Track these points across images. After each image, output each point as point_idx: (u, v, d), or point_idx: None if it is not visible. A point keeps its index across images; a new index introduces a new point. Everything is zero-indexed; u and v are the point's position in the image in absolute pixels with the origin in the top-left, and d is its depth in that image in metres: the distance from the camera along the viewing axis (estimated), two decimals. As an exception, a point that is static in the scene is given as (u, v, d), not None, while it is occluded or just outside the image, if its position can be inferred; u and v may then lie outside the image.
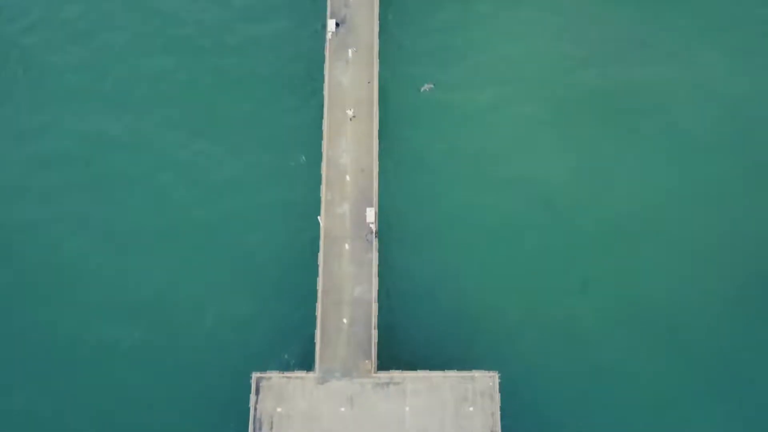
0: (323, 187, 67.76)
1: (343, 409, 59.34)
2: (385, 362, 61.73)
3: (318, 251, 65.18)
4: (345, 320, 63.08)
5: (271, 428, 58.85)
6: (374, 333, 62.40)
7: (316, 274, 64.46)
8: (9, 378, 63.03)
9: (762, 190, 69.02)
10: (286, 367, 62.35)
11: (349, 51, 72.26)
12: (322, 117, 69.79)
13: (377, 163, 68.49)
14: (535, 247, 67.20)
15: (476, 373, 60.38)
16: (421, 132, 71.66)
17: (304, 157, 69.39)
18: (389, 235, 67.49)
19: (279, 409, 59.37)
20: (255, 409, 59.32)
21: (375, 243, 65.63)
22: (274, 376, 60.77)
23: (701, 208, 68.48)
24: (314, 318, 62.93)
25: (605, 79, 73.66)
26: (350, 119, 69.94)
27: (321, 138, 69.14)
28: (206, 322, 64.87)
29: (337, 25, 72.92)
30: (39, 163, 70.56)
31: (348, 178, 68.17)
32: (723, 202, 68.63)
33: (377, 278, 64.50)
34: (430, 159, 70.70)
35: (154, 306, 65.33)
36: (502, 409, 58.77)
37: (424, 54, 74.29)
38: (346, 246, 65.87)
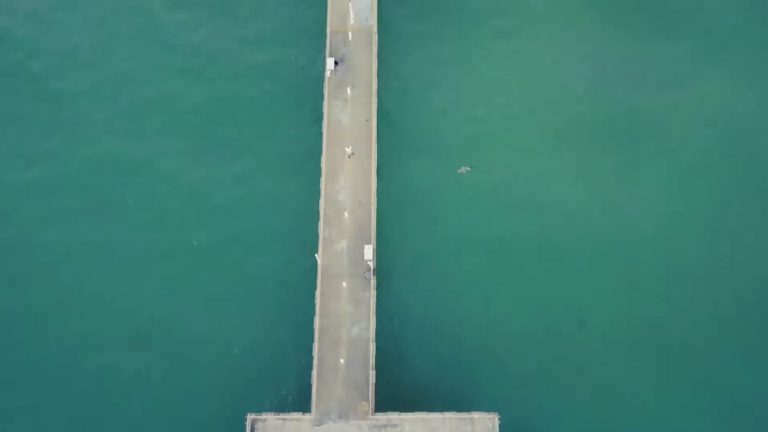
0: (321, 224, 67.38)
1: (339, 452, 58.01)
2: (383, 403, 60.55)
3: (315, 288, 64.53)
4: (342, 360, 62.02)
5: (266, 472, 57.41)
6: (372, 373, 61.32)
7: (314, 312, 63.66)
8: (7, 403, 62.47)
9: (765, 212, 68.62)
10: (284, 402, 61.18)
11: (348, 89, 72.65)
12: (321, 142, 70.11)
13: (375, 200, 68.21)
14: (534, 282, 66.53)
15: (476, 415, 59.11)
16: (420, 169, 71.39)
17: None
18: (387, 272, 66.76)
19: (274, 452, 58.03)
20: (249, 451, 58.06)
21: (373, 281, 64.92)
22: (270, 418, 59.50)
23: (702, 232, 68.08)
24: (312, 353, 62.09)
25: (605, 105, 73.74)
26: (349, 156, 69.93)
27: (320, 160, 69.30)
28: (204, 355, 64.08)
29: (336, 63, 73.46)
30: (42, 187, 70.72)
31: (346, 214, 67.82)
32: (724, 224, 68.27)
33: (375, 317, 63.61)
34: (428, 196, 70.27)
35: (153, 335, 64.78)
36: (502, 451, 57.37)
37: (423, 87, 74.65)
38: (344, 284, 65.16)
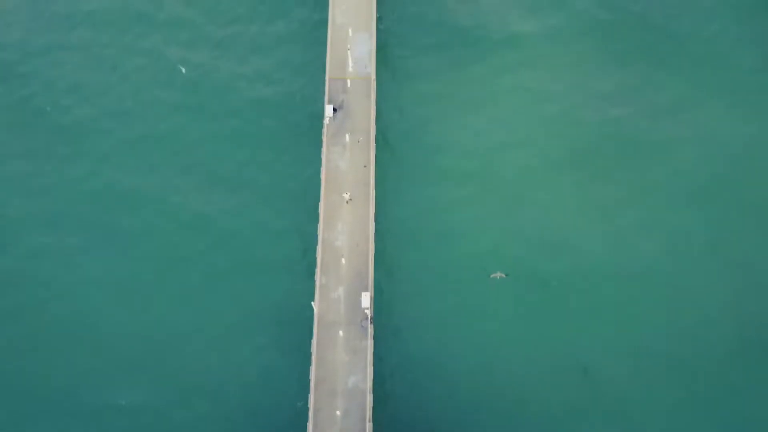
0: (318, 271, 66.18)
1: None
2: (381, 458, 58.38)
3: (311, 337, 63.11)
4: (338, 412, 59.93)
5: None
6: (369, 426, 59.35)
7: (309, 362, 62.15)
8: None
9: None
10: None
11: (347, 136, 72.62)
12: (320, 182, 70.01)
13: (373, 246, 67.26)
14: (534, 329, 65.01)
15: (477, 471, 56.79)
16: (418, 213, 70.63)
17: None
18: (385, 321, 65.22)
19: None
20: None
21: (370, 330, 63.35)
22: (262, 473, 57.08)
23: (706, 260, 67.40)
24: (308, 404, 60.49)
25: (605, 134, 73.72)
26: (347, 202, 69.29)
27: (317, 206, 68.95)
28: (200, 401, 62.61)
29: (335, 110, 73.63)
30: (42, 220, 70.44)
31: (343, 261, 66.70)
32: (729, 251, 67.64)
33: (372, 367, 61.85)
34: (427, 241, 69.25)
35: (147, 369, 63.86)
36: None
37: (423, 128, 74.70)
38: (341, 333, 63.56)
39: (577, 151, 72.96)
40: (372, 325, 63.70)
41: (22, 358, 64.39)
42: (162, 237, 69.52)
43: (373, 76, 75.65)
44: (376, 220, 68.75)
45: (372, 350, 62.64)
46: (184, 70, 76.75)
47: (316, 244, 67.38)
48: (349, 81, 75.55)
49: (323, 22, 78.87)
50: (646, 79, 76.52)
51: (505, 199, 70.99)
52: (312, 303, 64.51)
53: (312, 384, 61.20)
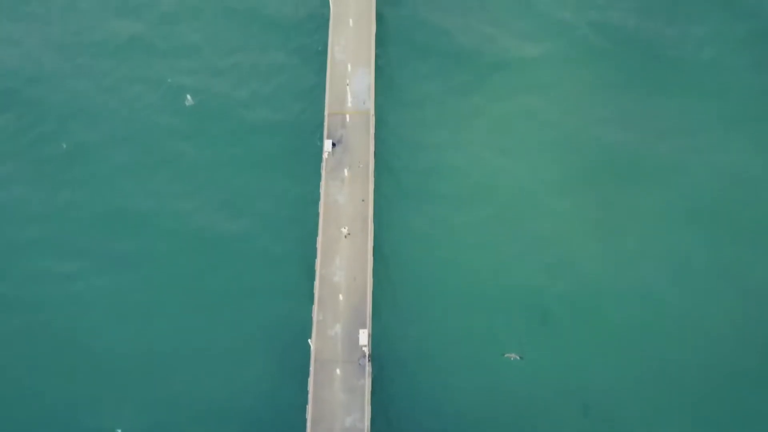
0: (315, 308, 64.83)
1: None
2: (378, 502, 56.14)
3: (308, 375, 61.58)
4: (334, 454, 57.98)
5: None
6: (366, 468, 57.23)
7: (306, 399, 60.53)
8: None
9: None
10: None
11: (345, 170, 72.03)
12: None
13: (371, 281, 66.00)
14: (534, 369, 63.37)
15: None
16: (417, 249, 69.48)
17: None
18: (383, 358, 63.58)
19: None
20: None
21: (368, 368, 61.65)
22: None
23: (707, 286, 66.61)
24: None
25: (608, 158, 73.52)
26: (345, 237, 68.30)
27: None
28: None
29: (334, 145, 73.24)
30: (48, 243, 70.50)
31: (341, 297, 65.37)
32: (731, 275, 66.82)
33: (370, 407, 59.97)
34: (426, 276, 68.00)
35: (146, 394, 63.20)
36: None
37: (421, 162, 74.25)
38: (338, 371, 61.86)
39: (577, 176, 72.59)
40: (370, 363, 62.03)
41: (21, 381, 63.82)
42: (162, 261, 69.08)
43: (372, 111, 75.47)
44: (374, 255, 67.66)
45: (370, 389, 60.94)
46: (190, 99, 77.14)
47: (314, 278, 66.29)
48: (348, 116, 75.36)
49: (324, 53, 79.20)
50: (644, 105, 76.62)
51: (505, 228, 70.09)
52: (309, 340, 63.00)
53: (309, 424, 59.41)
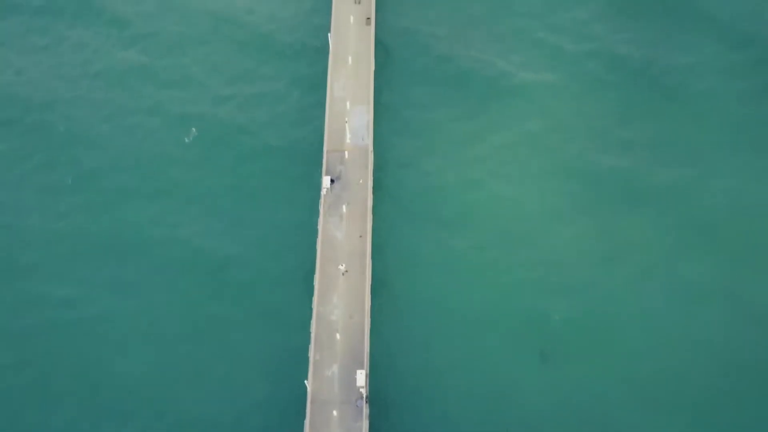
0: (312, 347, 63.42)
1: None
2: None
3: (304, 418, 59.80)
4: (329, 500, 55.89)
5: None
6: None
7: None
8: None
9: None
10: None
11: (344, 207, 71.40)
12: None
13: (369, 320, 64.65)
14: (534, 407, 61.77)
15: None
16: (416, 285, 68.27)
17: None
18: (381, 399, 61.78)
19: None
20: None
21: (366, 409, 59.86)
22: None
23: (710, 310, 65.75)
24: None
25: (608, 184, 73.36)
26: (342, 274, 67.25)
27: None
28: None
29: (332, 181, 72.76)
30: (50, 269, 70.57)
31: (338, 336, 63.97)
32: (735, 299, 65.95)
33: (367, 450, 58.22)
34: (425, 315, 66.55)
35: (144, 418, 62.45)
36: None
37: (419, 197, 73.77)
38: (335, 412, 60.12)
39: (578, 202, 72.16)
40: (367, 405, 60.28)
41: (24, 406, 63.30)
42: (160, 289, 68.66)
43: (371, 148, 75.17)
44: (372, 291, 66.45)
45: (367, 431, 59.08)
46: (194, 131, 77.51)
47: (310, 317, 65.05)
48: (346, 152, 75.05)
49: (323, 85, 79.55)
50: (643, 132, 76.61)
51: (506, 257, 69.39)
52: (305, 381, 61.42)
53: (304, 468, 57.62)
